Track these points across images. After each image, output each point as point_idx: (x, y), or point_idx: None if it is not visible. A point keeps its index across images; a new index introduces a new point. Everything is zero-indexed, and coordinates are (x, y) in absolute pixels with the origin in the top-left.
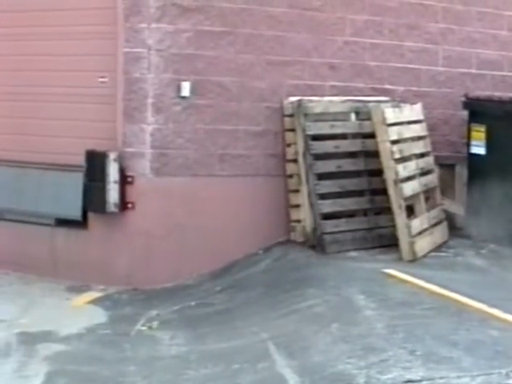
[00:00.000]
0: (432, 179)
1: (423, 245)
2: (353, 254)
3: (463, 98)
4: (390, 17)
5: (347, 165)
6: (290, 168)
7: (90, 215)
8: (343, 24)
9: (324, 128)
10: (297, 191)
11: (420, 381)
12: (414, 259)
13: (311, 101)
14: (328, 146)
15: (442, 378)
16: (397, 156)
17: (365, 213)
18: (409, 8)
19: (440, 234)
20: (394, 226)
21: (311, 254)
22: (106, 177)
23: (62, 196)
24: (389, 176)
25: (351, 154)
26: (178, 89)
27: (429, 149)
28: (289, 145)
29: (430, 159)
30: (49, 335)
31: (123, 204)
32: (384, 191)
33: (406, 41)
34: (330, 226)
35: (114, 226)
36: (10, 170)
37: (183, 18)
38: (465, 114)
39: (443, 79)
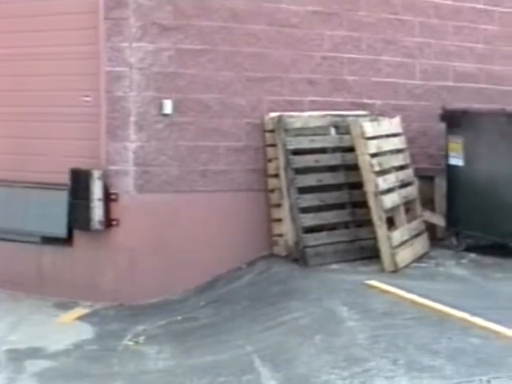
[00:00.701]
0: (412, 191)
1: (404, 256)
2: (335, 266)
3: (441, 111)
4: (367, 32)
5: (328, 178)
6: (272, 183)
7: (76, 233)
8: (321, 40)
9: (304, 142)
10: (278, 205)
11: None
12: (396, 270)
13: (291, 116)
14: (308, 161)
15: None
16: (376, 169)
17: (346, 225)
18: (386, 23)
19: (421, 244)
20: (375, 238)
21: (294, 267)
22: (91, 195)
23: (47, 214)
24: (369, 189)
25: (331, 168)
26: (160, 107)
27: (408, 161)
28: (270, 160)
29: (409, 171)
30: (37, 352)
31: (108, 221)
32: (365, 204)
33: (384, 55)
34: (311, 239)
35: (100, 243)
36: None
37: (164, 36)
38: (442, 126)
39: (421, 92)
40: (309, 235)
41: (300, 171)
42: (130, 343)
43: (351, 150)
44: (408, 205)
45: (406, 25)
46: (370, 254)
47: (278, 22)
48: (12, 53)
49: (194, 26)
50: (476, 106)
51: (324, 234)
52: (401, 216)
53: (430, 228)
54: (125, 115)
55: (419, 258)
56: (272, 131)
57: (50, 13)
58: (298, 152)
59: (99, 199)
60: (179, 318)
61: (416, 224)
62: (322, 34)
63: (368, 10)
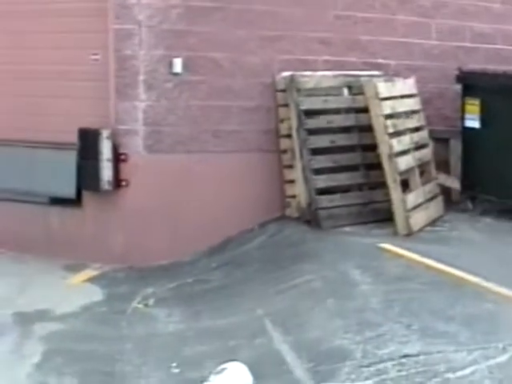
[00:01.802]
0: (426, 153)
1: (418, 219)
2: (348, 229)
3: (457, 72)
4: None
5: (341, 140)
6: (284, 143)
7: (84, 193)
8: None
9: (317, 103)
10: (291, 167)
11: (417, 355)
12: (410, 233)
13: (303, 76)
14: (321, 121)
15: (439, 352)
16: (391, 130)
17: (359, 188)
18: None
19: (435, 208)
20: (389, 201)
21: (306, 229)
22: (100, 155)
23: (55, 174)
24: (383, 150)
25: (345, 129)
26: (170, 65)
27: (423, 123)
28: (282, 120)
29: (424, 133)
30: (45, 314)
31: (117, 182)
32: (378, 166)
33: (399, 14)
34: (324, 201)
35: (109, 204)
36: (3, 149)
37: None
38: (458, 87)
39: (436, 53)
40: (322, 197)
41: (313, 132)
42: (140, 306)
43: (365, 110)
44: (423, 167)
45: None
46: (383, 217)
47: None
48: (19, 9)
49: None
50: (492, 67)
51: (337, 196)
52: (415, 179)
53: (445, 191)
54: (134, 74)
55: (434, 222)
56: (284, 91)
57: None
58: (310, 112)
59: (108, 159)
60: (189, 280)
61: (431, 187)
62: None
63: None
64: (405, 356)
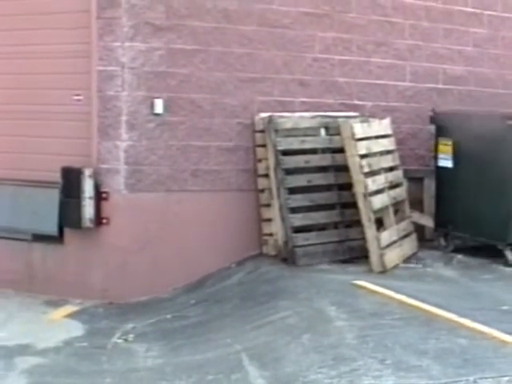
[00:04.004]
0: (401, 192)
1: (393, 256)
2: (324, 266)
3: (430, 113)
4: (358, 34)
5: (317, 179)
6: (262, 183)
7: (66, 230)
8: (312, 41)
9: (294, 143)
10: (268, 205)
11: None
12: (384, 270)
13: (282, 116)
14: (298, 161)
15: None
16: (366, 170)
17: (335, 226)
18: (376, 25)
19: (409, 245)
20: (364, 239)
21: (283, 266)
22: (82, 193)
23: (38, 212)
24: (358, 190)
25: (321, 169)
26: (152, 106)
27: (397, 162)
28: (260, 160)
29: (398, 173)
30: (27, 348)
31: (98, 219)
32: (354, 204)
33: (374, 57)
34: (301, 239)
35: (90, 241)
36: None
37: (156, 36)
38: (432, 128)
39: (411, 94)
40: (298, 235)
41: (290, 171)
42: (120, 341)
43: (341, 150)
44: (397, 206)
45: (396, 27)
46: (358, 255)
47: (270, 23)
48: (3, 51)
49: (187, 25)
50: (465, 108)
51: (313, 234)
52: (390, 217)
53: (419, 229)
54: (116, 114)
55: (408, 259)
56: (262, 131)
57: (43, 11)
58: (288, 152)
59: (90, 197)
60: (168, 316)
61: (405, 225)
62: (314, 36)
63: (359, 11)
64: None
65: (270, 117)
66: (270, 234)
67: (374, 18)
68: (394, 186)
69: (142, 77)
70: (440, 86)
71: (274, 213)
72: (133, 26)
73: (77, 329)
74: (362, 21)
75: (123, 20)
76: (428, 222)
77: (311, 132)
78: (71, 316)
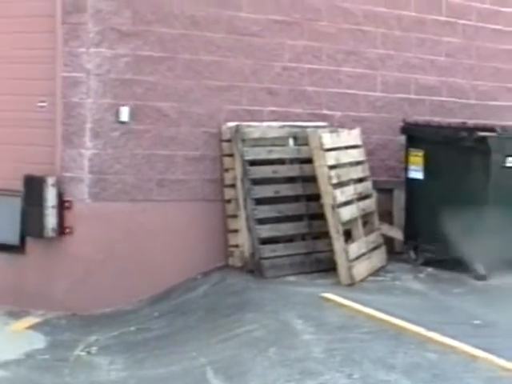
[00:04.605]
0: (370, 204)
1: (361, 269)
2: (291, 278)
3: (401, 123)
4: (328, 42)
5: (285, 190)
6: (228, 193)
7: (28, 240)
8: (282, 49)
9: (262, 153)
10: (235, 216)
11: None
12: (352, 283)
13: (249, 126)
14: (266, 171)
15: None
16: (334, 181)
17: (303, 237)
18: (347, 34)
19: (378, 258)
20: (332, 251)
21: (249, 278)
22: (44, 202)
23: None
24: (326, 201)
25: (289, 179)
26: (117, 114)
27: (367, 173)
28: (227, 170)
29: (368, 184)
30: None
31: (61, 229)
32: (322, 216)
33: (345, 66)
34: (268, 250)
35: (52, 251)
36: None
37: (122, 42)
38: (403, 139)
39: (381, 104)
40: (265, 246)
41: (257, 182)
42: (82, 353)
43: (309, 161)
44: (366, 218)
45: (367, 36)
46: (326, 267)
47: (238, 31)
48: None
49: (154, 32)
50: (437, 119)
51: (280, 245)
52: (358, 229)
53: (388, 241)
54: (81, 122)
55: (376, 272)
56: (229, 141)
57: (6, 15)
58: (255, 162)
59: (53, 206)
60: (132, 328)
61: (374, 237)
62: (283, 44)
63: (329, 20)
64: None
65: (237, 126)
66: (237, 246)
67: (344, 27)
68: (363, 197)
69: (108, 84)
70: (412, 96)
71: (240, 224)
72: (99, 32)
73: (39, 341)
74: (332, 29)
75: (89, 25)
76: (397, 234)
77: (279, 142)
78: (33, 328)
